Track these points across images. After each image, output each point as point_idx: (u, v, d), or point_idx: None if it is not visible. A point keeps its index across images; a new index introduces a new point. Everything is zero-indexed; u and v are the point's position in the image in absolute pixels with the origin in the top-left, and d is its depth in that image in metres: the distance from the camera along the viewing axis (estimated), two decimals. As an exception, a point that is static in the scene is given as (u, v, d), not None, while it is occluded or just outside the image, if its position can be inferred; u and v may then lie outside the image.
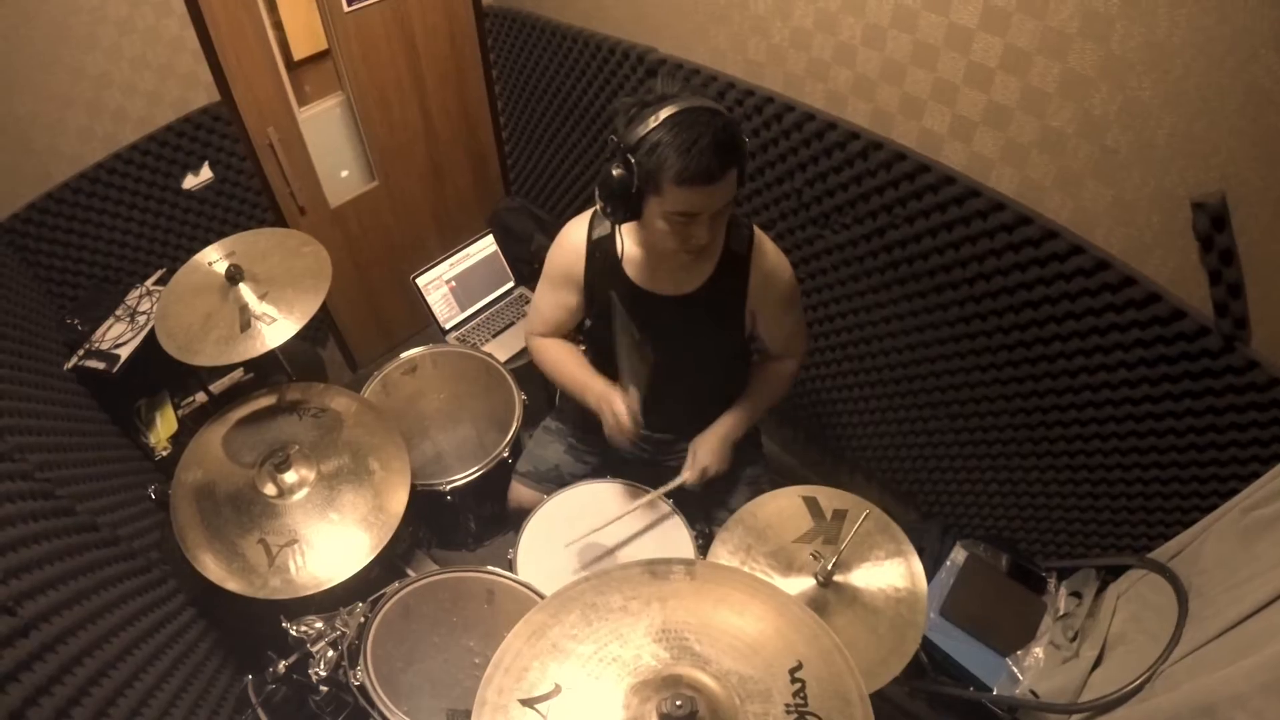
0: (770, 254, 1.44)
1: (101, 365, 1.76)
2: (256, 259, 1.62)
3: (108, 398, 1.82)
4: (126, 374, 1.78)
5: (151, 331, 1.76)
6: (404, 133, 2.54)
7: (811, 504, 1.34)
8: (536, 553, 1.52)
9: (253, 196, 2.22)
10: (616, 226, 1.38)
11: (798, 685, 0.84)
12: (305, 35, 2.28)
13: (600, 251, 1.44)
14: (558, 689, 0.84)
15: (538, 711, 0.82)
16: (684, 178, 1.15)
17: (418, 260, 2.42)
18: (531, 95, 2.55)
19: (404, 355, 1.99)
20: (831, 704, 0.82)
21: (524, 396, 1.90)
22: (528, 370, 2.14)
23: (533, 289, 2.29)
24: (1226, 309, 1.25)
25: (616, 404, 1.41)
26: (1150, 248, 1.33)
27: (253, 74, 2.09)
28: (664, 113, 1.16)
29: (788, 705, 0.82)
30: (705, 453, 1.51)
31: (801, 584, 1.23)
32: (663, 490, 1.52)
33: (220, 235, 1.78)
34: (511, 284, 2.55)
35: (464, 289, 2.45)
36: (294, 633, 1.33)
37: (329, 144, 2.42)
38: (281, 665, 1.34)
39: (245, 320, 1.53)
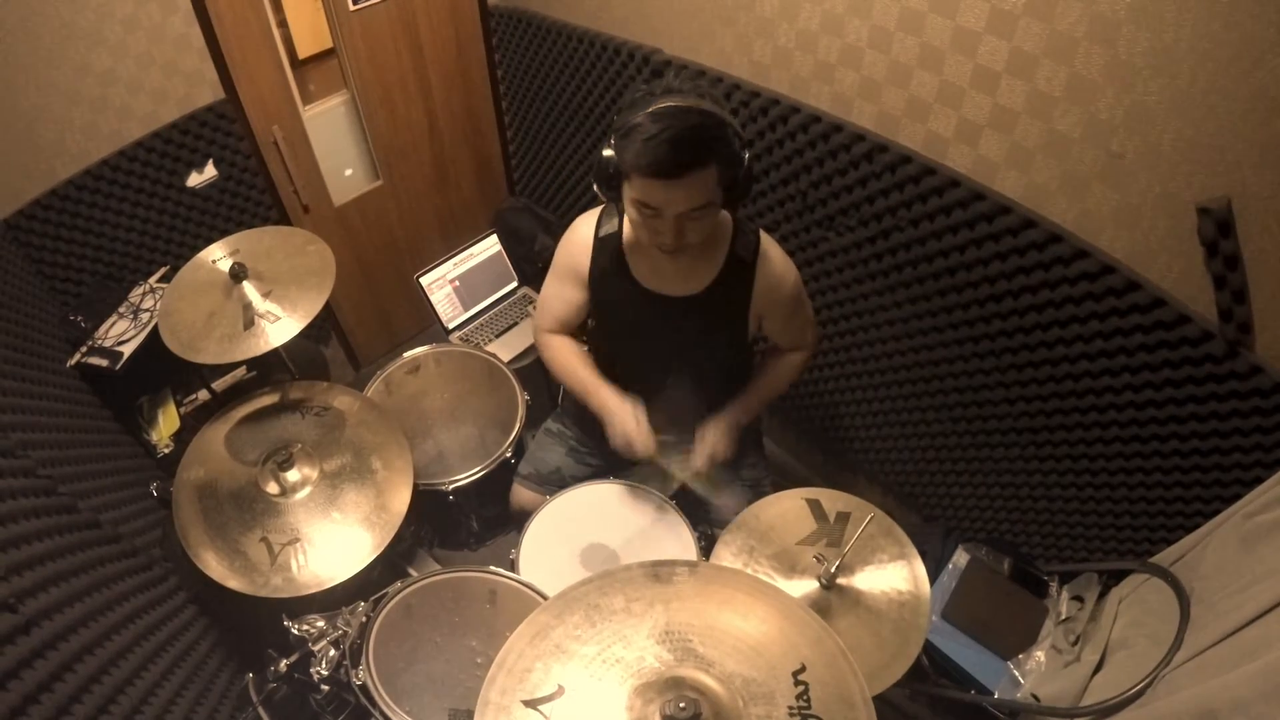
0: (776, 261, 1.42)
1: (104, 362, 1.76)
2: (260, 257, 1.63)
3: (110, 395, 1.82)
4: (129, 371, 1.78)
5: (155, 329, 1.75)
6: (408, 132, 2.54)
7: (815, 507, 1.34)
8: (539, 553, 1.52)
9: (257, 195, 2.22)
10: (622, 225, 1.39)
11: (801, 688, 0.83)
12: (310, 34, 2.29)
13: (606, 248, 1.44)
14: (561, 690, 0.83)
15: (541, 713, 0.82)
16: (638, 166, 1.17)
17: (421, 259, 2.42)
18: (536, 95, 2.55)
19: (407, 354, 1.99)
20: (835, 707, 0.82)
21: (527, 397, 1.90)
22: (531, 370, 2.15)
23: (536, 289, 2.29)
24: (1230, 314, 1.25)
25: (629, 424, 1.42)
26: (1155, 252, 1.33)
27: (258, 72, 2.09)
28: (657, 104, 1.17)
29: (791, 708, 0.82)
30: (714, 436, 1.50)
31: (805, 586, 1.23)
32: (672, 489, 1.53)
33: (224, 233, 1.79)
34: (515, 284, 2.55)
35: (467, 289, 2.45)
36: (295, 631, 1.33)
37: (333, 143, 2.42)
38: (283, 664, 1.34)
39: (249, 318, 1.54)
